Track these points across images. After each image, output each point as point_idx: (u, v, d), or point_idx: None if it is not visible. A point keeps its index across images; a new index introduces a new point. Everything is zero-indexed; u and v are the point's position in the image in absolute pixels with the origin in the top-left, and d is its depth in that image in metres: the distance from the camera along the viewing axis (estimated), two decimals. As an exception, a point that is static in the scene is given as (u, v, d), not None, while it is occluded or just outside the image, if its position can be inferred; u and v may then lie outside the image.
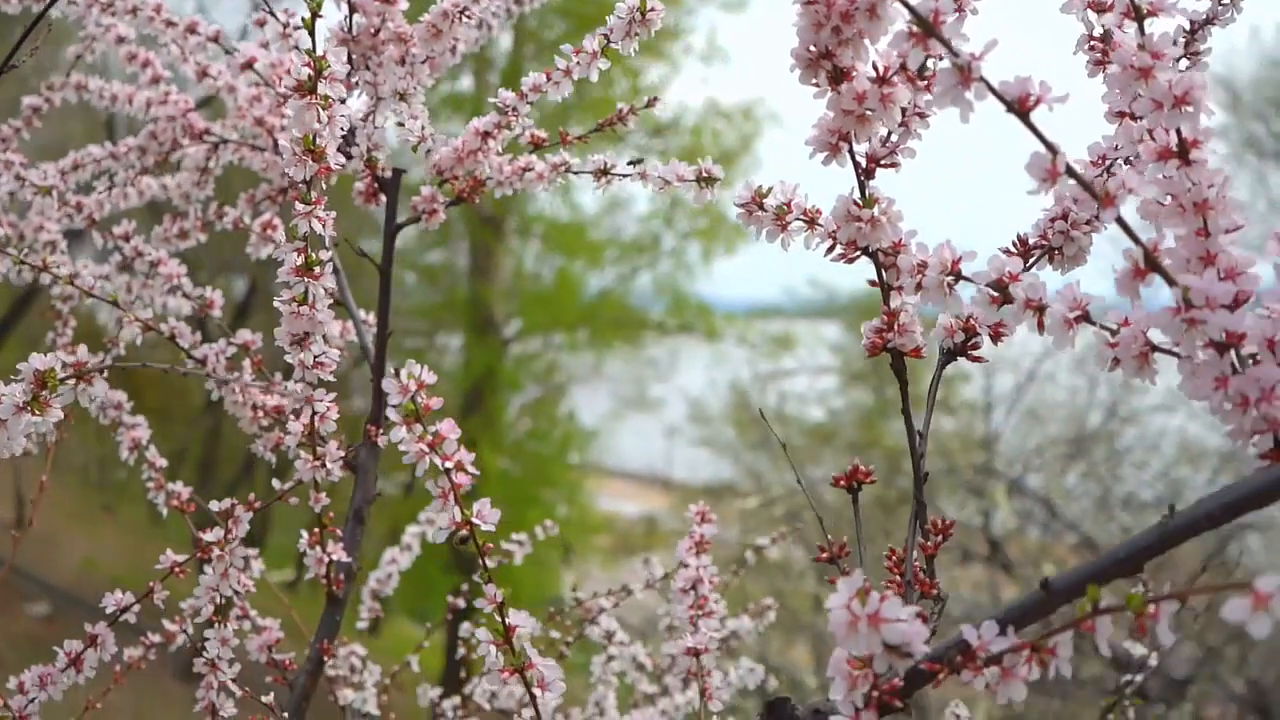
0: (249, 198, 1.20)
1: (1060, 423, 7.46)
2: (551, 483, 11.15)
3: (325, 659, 1.02)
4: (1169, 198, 0.56)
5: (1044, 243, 0.70)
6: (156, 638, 1.16)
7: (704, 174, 0.85)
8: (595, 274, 12.42)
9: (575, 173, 0.98)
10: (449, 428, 0.64)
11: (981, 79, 0.51)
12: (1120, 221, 0.53)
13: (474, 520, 0.65)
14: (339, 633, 1.05)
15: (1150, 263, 0.52)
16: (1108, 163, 0.71)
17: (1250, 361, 0.53)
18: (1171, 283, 0.52)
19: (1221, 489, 0.51)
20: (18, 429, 0.69)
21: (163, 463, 1.13)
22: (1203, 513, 0.50)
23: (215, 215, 1.21)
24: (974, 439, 7.35)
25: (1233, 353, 0.54)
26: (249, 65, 1.08)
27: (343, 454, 0.93)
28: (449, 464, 0.64)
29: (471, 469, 0.64)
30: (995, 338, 0.69)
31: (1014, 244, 0.71)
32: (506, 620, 0.66)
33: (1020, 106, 0.52)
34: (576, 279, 12.22)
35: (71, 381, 0.67)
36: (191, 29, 1.13)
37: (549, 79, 0.92)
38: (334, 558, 1.00)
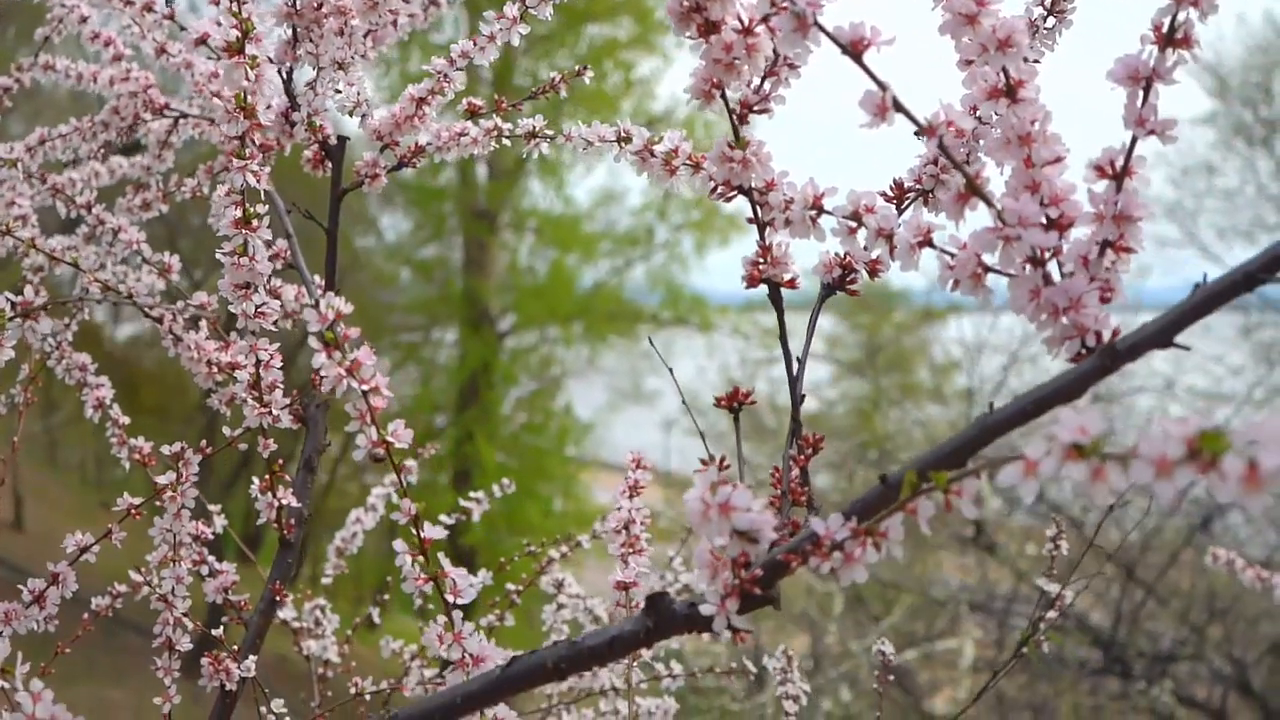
0: (207, 168, 1.26)
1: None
2: (548, 476, 11.21)
3: (277, 599, 1.08)
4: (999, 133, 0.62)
5: (918, 186, 0.76)
6: (123, 587, 1.22)
7: (623, 134, 0.91)
8: (589, 267, 12.48)
9: (507, 137, 1.04)
10: (365, 354, 0.70)
11: (817, 24, 0.57)
12: (944, 151, 0.59)
13: (389, 439, 0.71)
14: (291, 579, 1.11)
15: (971, 188, 0.58)
16: (978, 112, 0.77)
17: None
18: (990, 205, 0.58)
19: (1033, 388, 0.57)
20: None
21: (125, 420, 1.18)
22: (1017, 408, 0.56)
23: (175, 185, 1.27)
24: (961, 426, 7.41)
25: (1054, 267, 0.60)
26: (202, 41, 1.14)
27: (289, 401, 0.99)
28: (366, 387, 0.70)
29: (386, 392, 0.70)
30: (872, 273, 0.75)
31: (889, 187, 0.77)
32: (421, 534, 0.72)
33: (854, 49, 0.58)
34: (571, 272, 12.27)
35: (19, 320, 0.73)
36: (148, 7, 1.18)
37: (476, 44, 0.98)
38: (284, 503, 1.06)
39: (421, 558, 0.72)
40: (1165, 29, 0.59)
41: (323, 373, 0.70)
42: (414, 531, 0.73)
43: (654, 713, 1.29)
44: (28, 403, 1.31)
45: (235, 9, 0.81)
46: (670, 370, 0.94)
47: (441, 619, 0.74)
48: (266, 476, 1.05)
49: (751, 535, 0.58)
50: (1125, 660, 5.98)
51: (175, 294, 1.14)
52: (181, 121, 1.29)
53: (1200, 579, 6.21)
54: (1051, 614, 1.18)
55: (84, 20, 1.29)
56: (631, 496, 1.05)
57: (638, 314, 12.42)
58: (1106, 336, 0.57)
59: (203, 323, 1.12)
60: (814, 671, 6.57)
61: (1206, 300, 0.54)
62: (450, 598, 0.72)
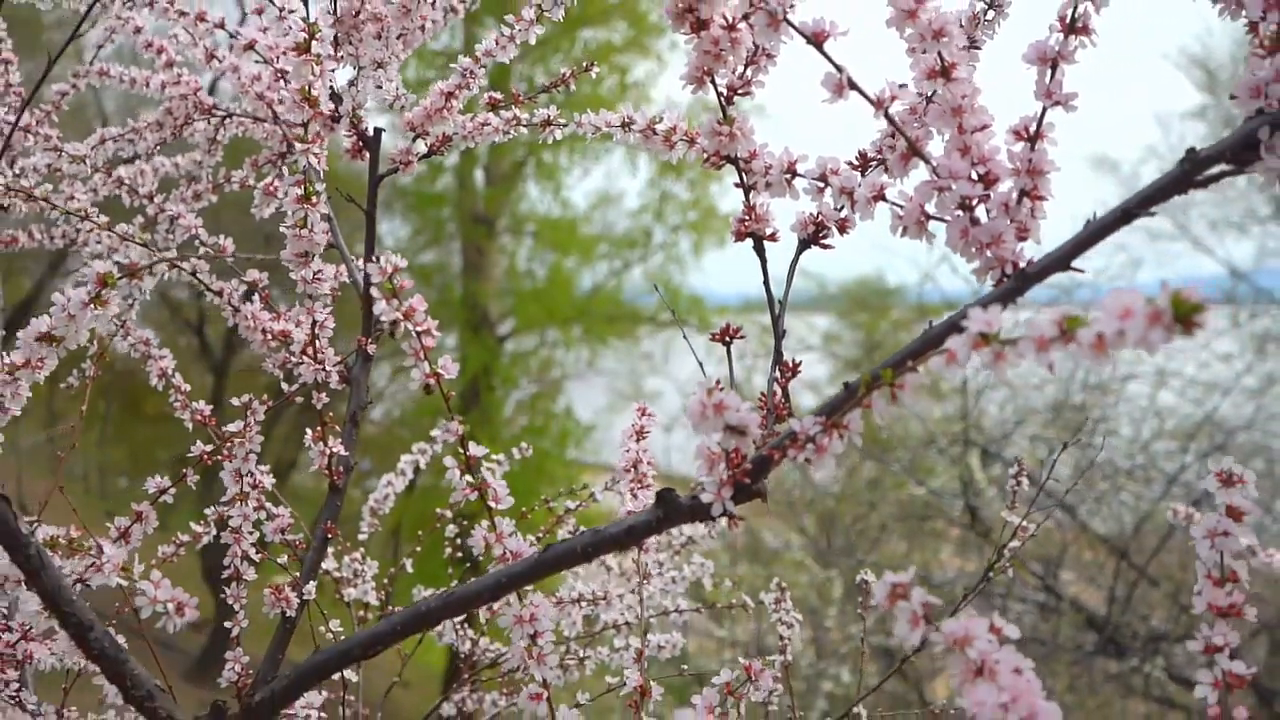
0: (253, 161, 1.40)
1: (1044, 398, 7.67)
2: (550, 478, 11.33)
3: (329, 538, 1.22)
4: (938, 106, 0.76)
5: (879, 156, 0.90)
6: (185, 537, 1.36)
7: (626, 120, 1.05)
8: (587, 270, 12.62)
9: (525, 125, 1.18)
10: (419, 301, 0.84)
11: (786, 20, 0.72)
12: (889, 120, 0.73)
13: (440, 371, 0.85)
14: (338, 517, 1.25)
15: (912, 149, 0.73)
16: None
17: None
18: (927, 162, 0.73)
19: (962, 306, 0.71)
20: (84, 322, 0.89)
21: (187, 387, 1.33)
22: (951, 322, 0.71)
23: (224, 178, 1.41)
24: (960, 421, 7.57)
25: (982, 212, 0.75)
26: (250, 46, 1.29)
27: (339, 359, 1.13)
28: (420, 329, 0.84)
29: (436, 333, 0.84)
30: (841, 230, 0.89)
31: (855, 157, 0.91)
32: (467, 451, 0.87)
33: (817, 39, 0.72)
34: (569, 275, 12.41)
35: (127, 279, 0.87)
36: (201, 17, 1.33)
37: (497, 44, 1.13)
38: (334, 451, 1.20)
39: (468, 473, 0.86)
40: (1068, 19, 0.73)
41: (383, 316, 0.84)
42: (461, 450, 0.87)
43: (664, 646, 1.43)
44: (94, 376, 1.45)
45: (304, 15, 0.95)
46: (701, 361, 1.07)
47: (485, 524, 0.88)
48: (319, 428, 1.19)
49: (740, 429, 0.72)
50: (1119, 641, 6.12)
51: (232, 271, 1.29)
52: (227, 120, 1.44)
53: (1191, 561, 6.34)
54: (1014, 544, 1.32)
55: (138, 30, 1.44)
56: (638, 440, 1.19)
57: (636, 315, 12.55)
58: (1022, 265, 0.72)
59: (256, 296, 1.26)
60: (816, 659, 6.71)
61: (1096, 231, 0.68)
62: (492, 504, 0.87)
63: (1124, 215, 0.67)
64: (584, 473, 12.07)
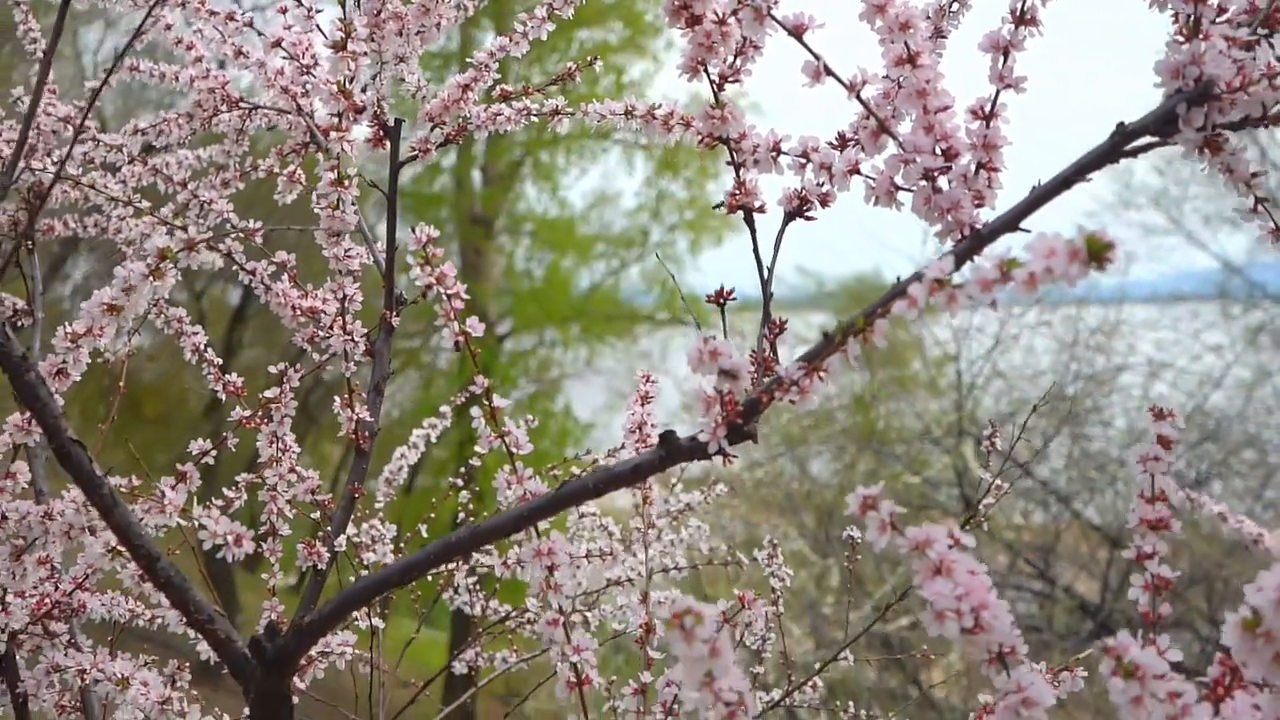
0: (278, 150, 1.50)
1: (1038, 390, 7.79)
2: (549, 478, 11.42)
3: (355, 497, 1.32)
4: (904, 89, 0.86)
5: (854, 136, 1.00)
6: (220, 501, 1.45)
7: (629, 109, 1.15)
8: (585, 269, 12.72)
9: (535, 115, 1.29)
10: (449, 268, 0.94)
11: (770, 15, 0.82)
12: (861, 101, 0.83)
13: (467, 329, 0.95)
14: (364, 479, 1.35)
15: (881, 127, 0.83)
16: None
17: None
18: (895, 139, 0.83)
19: (928, 264, 0.81)
20: (145, 293, 1.00)
21: (219, 361, 1.43)
22: (915, 277, 0.81)
23: (251, 166, 1.52)
24: (955, 412, 7.68)
25: (944, 181, 0.85)
26: (277, 44, 1.39)
27: (366, 331, 1.23)
28: (450, 292, 0.94)
29: (464, 296, 0.95)
30: (823, 203, 0.99)
31: (835, 137, 1.01)
32: (492, 402, 0.97)
33: (797, 31, 0.83)
34: (567, 275, 12.52)
35: (185, 251, 0.97)
36: (230, 17, 1.43)
37: (511, 40, 1.23)
38: (360, 417, 1.30)
39: (494, 420, 0.97)
40: (1018, 12, 0.84)
41: (417, 281, 0.95)
42: (486, 401, 0.97)
43: (663, 602, 1.53)
44: (129, 353, 1.55)
45: (343, 15, 1.05)
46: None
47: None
48: (346, 395, 1.30)
49: (733, 373, 0.82)
50: (1112, 627, 6.23)
51: (259, 253, 1.39)
52: (253, 112, 1.54)
53: (1182, 547, 6.46)
54: (989, 500, 1.42)
55: (169, 27, 1.54)
56: (643, 404, 1.29)
57: (634, 314, 12.66)
58: (978, 227, 0.82)
59: (285, 275, 1.36)
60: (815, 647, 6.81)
61: (1040, 196, 0.78)
62: (514, 449, 0.97)
63: (1064, 182, 0.77)
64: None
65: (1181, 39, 0.76)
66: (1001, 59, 0.84)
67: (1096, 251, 0.59)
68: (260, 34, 1.43)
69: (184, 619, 0.92)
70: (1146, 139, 0.77)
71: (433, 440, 1.81)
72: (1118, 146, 0.77)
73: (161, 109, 1.71)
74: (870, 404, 10.11)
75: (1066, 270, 0.60)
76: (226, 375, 1.40)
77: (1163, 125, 0.75)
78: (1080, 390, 7.50)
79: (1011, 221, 0.79)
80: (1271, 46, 0.78)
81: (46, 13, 1.61)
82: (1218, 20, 0.78)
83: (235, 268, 1.33)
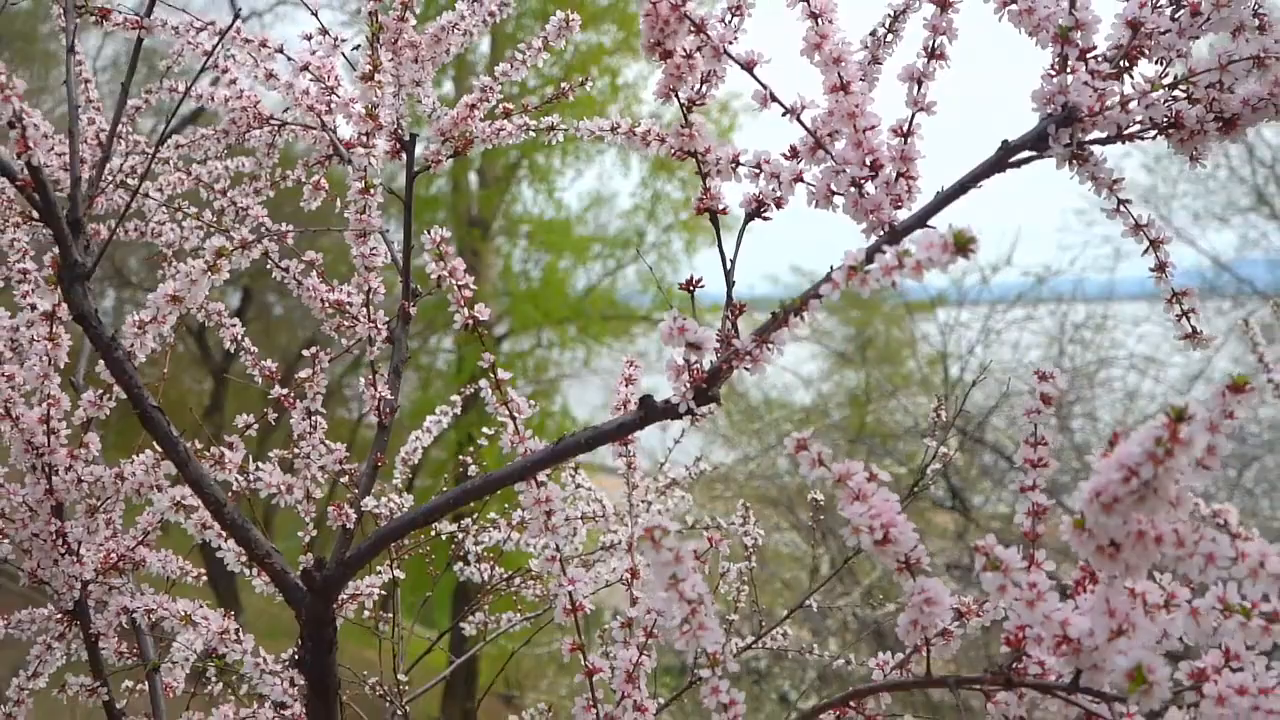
0: (305, 162, 1.69)
1: (1025, 385, 7.99)
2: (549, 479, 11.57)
3: (378, 466, 1.51)
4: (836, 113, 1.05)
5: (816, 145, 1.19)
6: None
7: (614, 126, 1.34)
8: (581, 270, 12.90)
9: (534, 130, 1.47)
10: (460, 262, 1.13)
11: (726, 53, 1.00)
12: (800, 122, 1.02)
13: (476, 315, 1.14)
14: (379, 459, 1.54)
15: (817, 143, 1.02)
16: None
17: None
18: (828, 153, 1.02)
19: (860, 248, 0.99)
20: (204, 285, 1.18)
21: (255, 349, 1.61)
22: (821, 280, 0.99)
23: (280, 176, 1.70)
24: (950, 409, 7.87)
25: (870, 188, 1.03)
26: (305, 67, 1.57)
27: (388, 319, 1.42)
28: (461, 283, 1.13)
29: (473, 286, 1.13)
30: (778, 205, 1.18)
31: (787, 149, 1.20)
32: (497, 376, 1.15)
33: (748, 65, 1.01)
34: (563, 276, 12.69)
35: (239, 250, 1.16)
36: (263, 44, 1.61)
37: (512, 65, 1.42)
38: (383, 396, 1.49)
39: (499, 390, 1.15)
40: (929, 48, 1.02)
41: (431, 273, 1.13)
42: (493, 375, 1.15)
43: (649, 565, 1.72)
44: (173, 345, 1.73)
45: (372, 49, 1.24)
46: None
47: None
48: (370, 376, 1.48)
49: (698, 344, 1.00)
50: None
51: (291, 253, 1.57)
52: (282, 128, 1.72)
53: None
54: (935, 466, 1.60)
55: (208, 54, 1.72)
56: (627, 385, 1.48)
57: (631, 315, 12.82)
58: (895, 225, 1.01)
59: (314, 272, 1.55)
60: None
61: (941, 201, 0.97)
62: (516, 414, 1.15)
63: (960, 188, 0.96)
64: (582, 471, 12.33)
65: (1052, 73, 0.95)
66: (916, 87, 1.02)
67: (962, 244, 0.77)
68: (290, 59, 1.62)
69: (245, 554, 1.10)
70: (1026, 153, 0.95)
71: (445, 425, 1.98)
72: (1003, 159, 0.95)
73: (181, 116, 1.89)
74: (864, 402, 10.29)
75: (940, 259, 0.78)
76: (263, 362, 1.59)
77: (1037, 141, 0.94)
78: (1067, 383, 7.70)
79: (919, 220, 0.98)
80: (1131, 76, 0.97)
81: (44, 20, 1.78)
82: (1089, 54, 0.97)
83: (270, 265, 1.52)
